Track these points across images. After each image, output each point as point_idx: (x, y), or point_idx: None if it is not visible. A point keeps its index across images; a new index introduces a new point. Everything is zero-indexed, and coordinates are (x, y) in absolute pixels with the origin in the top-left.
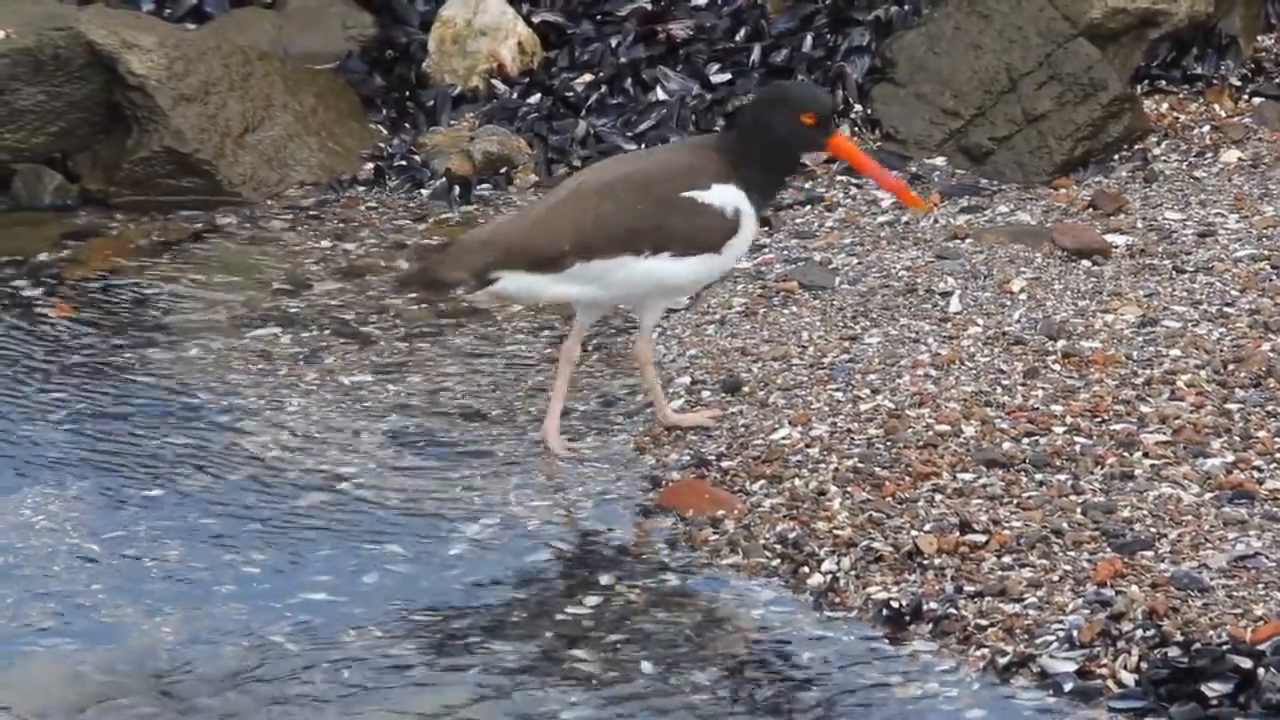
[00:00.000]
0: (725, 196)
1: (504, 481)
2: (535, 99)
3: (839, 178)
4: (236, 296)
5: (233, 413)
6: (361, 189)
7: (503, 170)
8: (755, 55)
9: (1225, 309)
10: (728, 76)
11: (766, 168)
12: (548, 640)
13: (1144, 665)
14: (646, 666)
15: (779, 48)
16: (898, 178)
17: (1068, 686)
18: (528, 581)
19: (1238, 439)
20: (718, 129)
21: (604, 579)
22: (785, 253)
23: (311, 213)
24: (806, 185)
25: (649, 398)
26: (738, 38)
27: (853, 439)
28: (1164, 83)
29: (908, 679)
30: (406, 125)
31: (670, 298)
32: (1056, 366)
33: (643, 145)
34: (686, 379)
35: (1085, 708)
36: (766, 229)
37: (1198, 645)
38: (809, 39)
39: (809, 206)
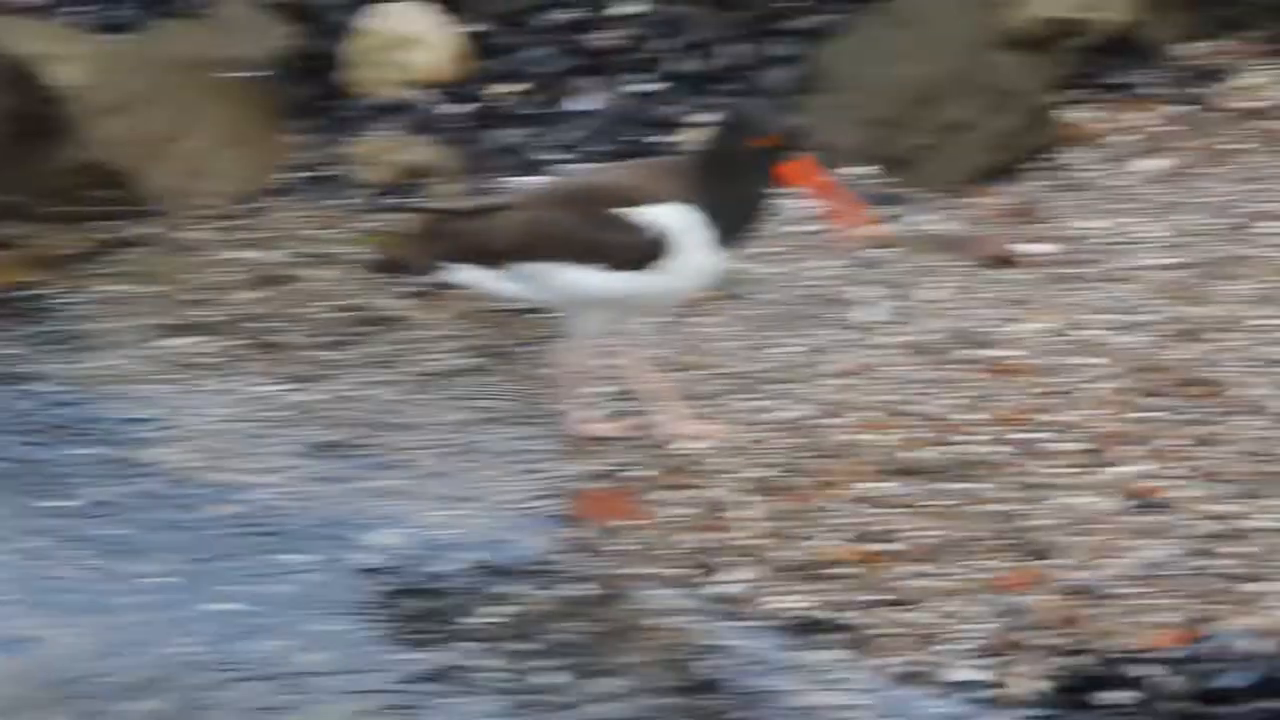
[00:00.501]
0: (660, 216)
1: (417, 490)
2: (457, 109)
3: None
4: (155, 306)
5: (148, 422)
6: (282, 199)
7: (424, 180)
8: (687, 64)
9: (1143, 318)
10: (653, 87)
11: (725, 194)
12: (460, 649)
13: (1050, 674)
14: (559, 675)
15: (710, 56)
16: (854, 208)
17: (974, 695)
18: (441, 590)
19: (1148, 448)
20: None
21: (516, 588)
22: None
23: (232, 222)
24: None
25: (563, 406)
26: (670, 47)
27: (765, 448)
28: (1085, 91)
29: (816, 687)
30: (328, 135)
31: (601, 311)
32: (971, 375)
33: (568, 154)
34: (603, 388)
35: (991, 716)
36: None
37: (1102, 653)
38: (740, 48)
39: None
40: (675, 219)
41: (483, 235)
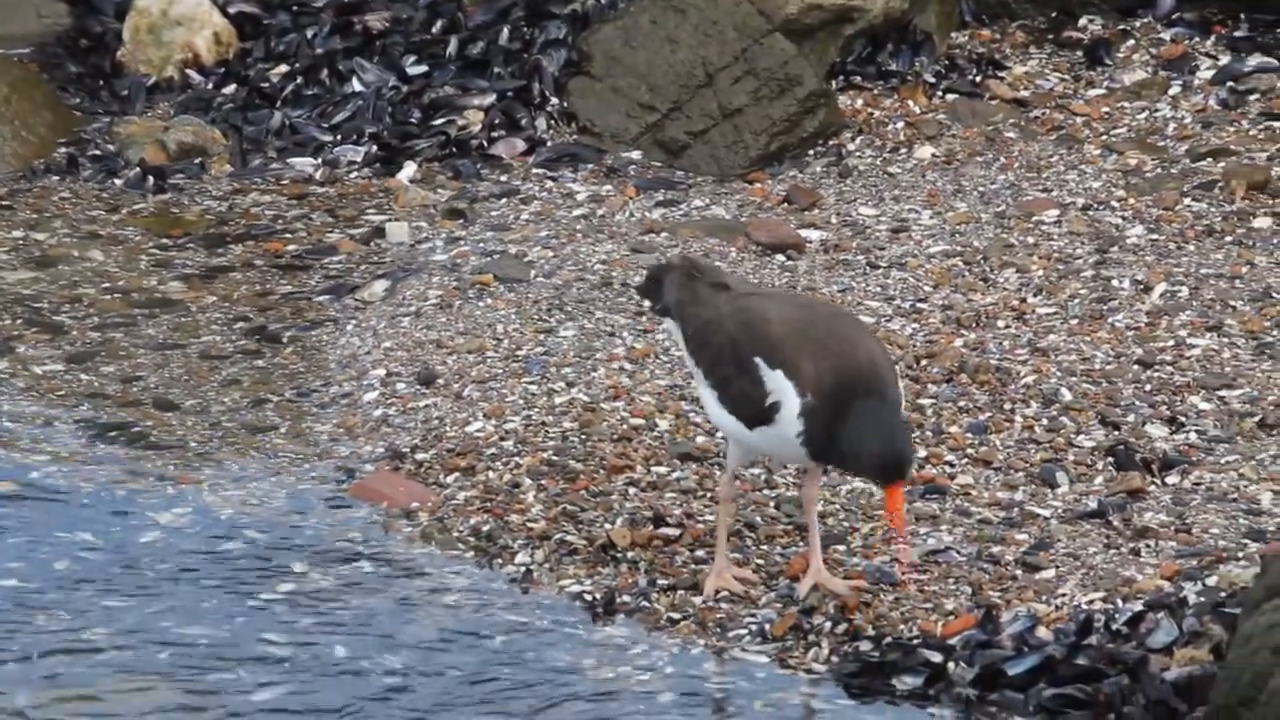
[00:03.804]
0: (776, 384)
1: (197, 471)
2: (230, 89)
3: (534, 171)
4: None
5: None
6: (55, 178)
7: (197, 160)
8: (452, 48)
9: (918, 304)
10: (424, 69)
11: (830, 423)
12: (240, 625)
13: (835, 659)
14: (339, 650)
15: (476, 40)
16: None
17: (760, 677)
18: (220, 568)
19: (930, 434)
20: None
21: (297, 566)
22: (480, 245)
23: (4, 202)
24: (503, 178)
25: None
26: (434, 30)
27: (547, 432)
28: (859, 78)
29: (601, 663)
30: (101, 114)
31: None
32: None
33: (338, 136)
34: (381, 371)
35: (779, 693)
36: (462, 220)
37: (889, 639)
38: (506, 32)
39: (505, 199)
40: (785, 394)
41: (685, 309)
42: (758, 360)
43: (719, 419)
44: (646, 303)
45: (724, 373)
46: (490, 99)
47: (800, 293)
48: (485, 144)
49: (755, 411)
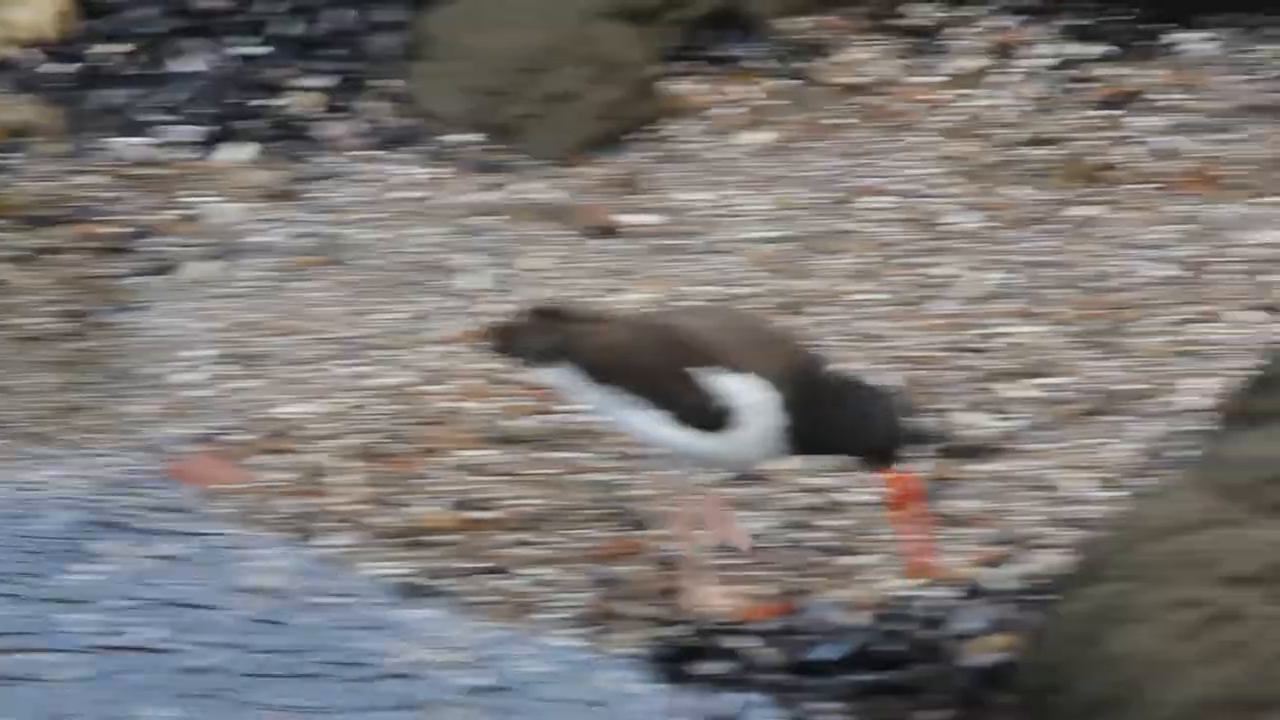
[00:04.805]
0: (735, 388)
1: (10, 448)
2: (60, 68)
3: (364, 153)
4: None
5: None
6: None
7: (30, 140)
8: (288, 28)
9: (742, 290)
10: (260, 49)
11: (811, 411)
12: (46, 606)
13: (644, 643)
14: (148, 632)
15: (316, 21)
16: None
17: (569, 660)
18: (29, 548)
19: None
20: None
21: (110, 546)
22: (306, 227)
23: None
24: (332, 160)
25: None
26: (276, 11)
27: (364, 414)
28: (692, 63)
29: (412, 645)
30: None
31: (676, 460)
32: None
33: (170, 116)
34: (199, 352)
35: (588, 676)
36: (288, 201)
37: (698, 625)
38: (342, 13)
39: (333, 181)
40: (751, 395)
41: (576, 343)
42: (704, 369)
43: (669, 439)
44: (514, 360)
45: (667, 391)
46: (324, 80)
47: (696, 305)
48: (317, 125)
49: (715, 418)
